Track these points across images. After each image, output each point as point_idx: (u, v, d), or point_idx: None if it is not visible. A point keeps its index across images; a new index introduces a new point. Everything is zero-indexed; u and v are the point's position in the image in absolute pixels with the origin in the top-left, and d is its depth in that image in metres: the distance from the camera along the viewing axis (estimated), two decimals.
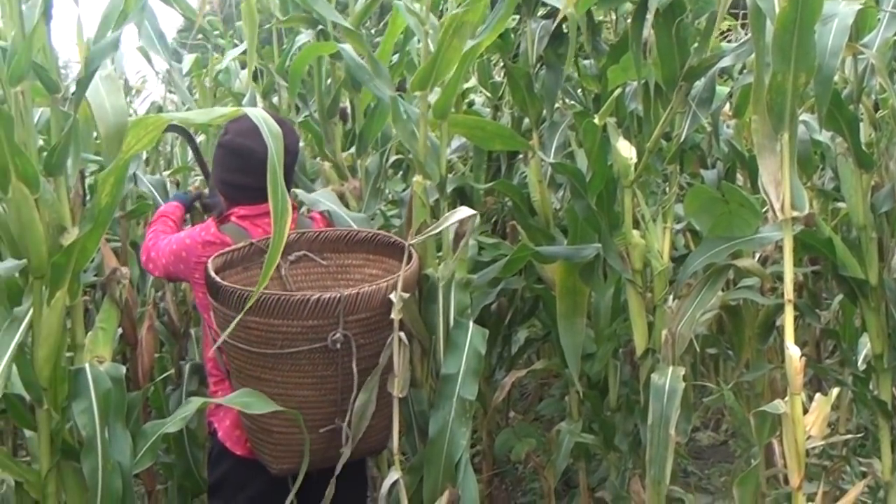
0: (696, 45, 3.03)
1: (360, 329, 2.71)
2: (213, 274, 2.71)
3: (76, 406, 2.49)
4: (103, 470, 2.46)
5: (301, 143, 4.23)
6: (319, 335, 2.66)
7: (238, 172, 3.02)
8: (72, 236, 2.47)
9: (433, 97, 3.19)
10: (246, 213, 3.04)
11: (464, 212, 2.83)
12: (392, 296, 2.69)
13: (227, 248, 2.90)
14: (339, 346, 2.66)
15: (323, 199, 3.40)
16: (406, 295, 2.73)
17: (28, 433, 2.75)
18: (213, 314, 2.79)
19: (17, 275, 2.80)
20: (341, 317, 2.65)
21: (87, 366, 2.55)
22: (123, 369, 2.60)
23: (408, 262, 2.83)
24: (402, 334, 2.70)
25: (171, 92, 5.86)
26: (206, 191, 3.55)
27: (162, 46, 3.92)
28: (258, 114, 2.18)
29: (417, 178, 3.15)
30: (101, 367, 2.56)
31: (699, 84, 3.09)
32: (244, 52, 4.31)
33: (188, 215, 3.47)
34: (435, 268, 3.08)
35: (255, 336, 2.67)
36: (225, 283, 2.69)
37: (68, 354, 2.62)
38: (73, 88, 2.63)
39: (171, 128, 3.50)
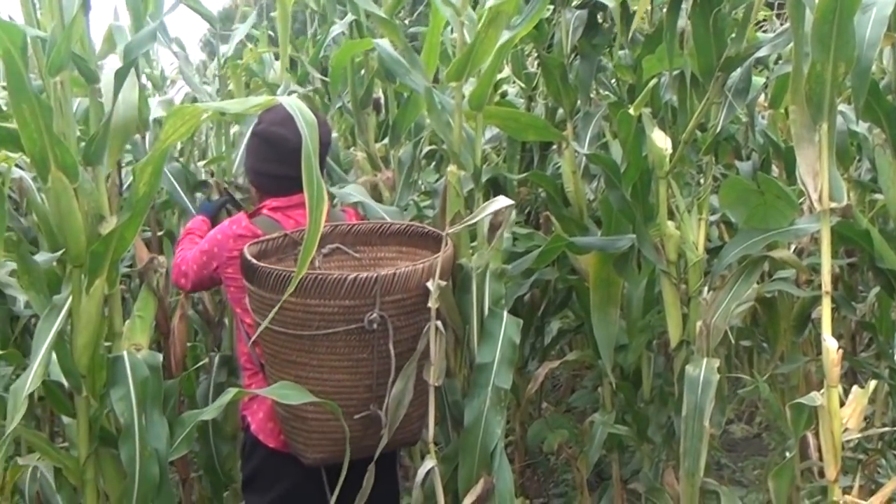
0: (732, 35, 3.01)
1: (396, 311, 2.70)
2: (249, 257, 2.72)
3: (114, 393, 2.51)
4: (140, 457, 2.48)
5: (335, 135, 4.26)
6: (356, 316, 2.65)
7: (271, 162, 3.01)
8: (110, 225, 2.49)
9: (468, 88, 3.19)
10: (278, 204, 3.04)
11: (501, 202, 2.83)
12: (429, 284, 2.70)
13: (262, 238, 2.90)
14: (375, 326, 2.65)
15: (355, 192, 3.41)
16: (444, 283, 2.73)
17: (67, 420, 2.79)
18: (249, 299, 2.79)
19: (54, 264, 2.84)
20: (378, 297, 2.64)
21: (124, 353, 2.57)
22: (160, 357, 2.62)
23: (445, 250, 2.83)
24: (440, 322, 2.70)
25: (204, 83, 5.91)
26: (231, 188, 3.59)
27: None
28: (293, 103, 2.18)
29: (452, 168, 3.15)
30: (139, 354, 2.59)
31: (735, 74, 3.07)
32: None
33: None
34: (469, 258, 3.08)
35: (291, 317, 2.66)
36: (261, 264, 2.70)
37: (106, 343, 2.64)
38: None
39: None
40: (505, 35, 3.00)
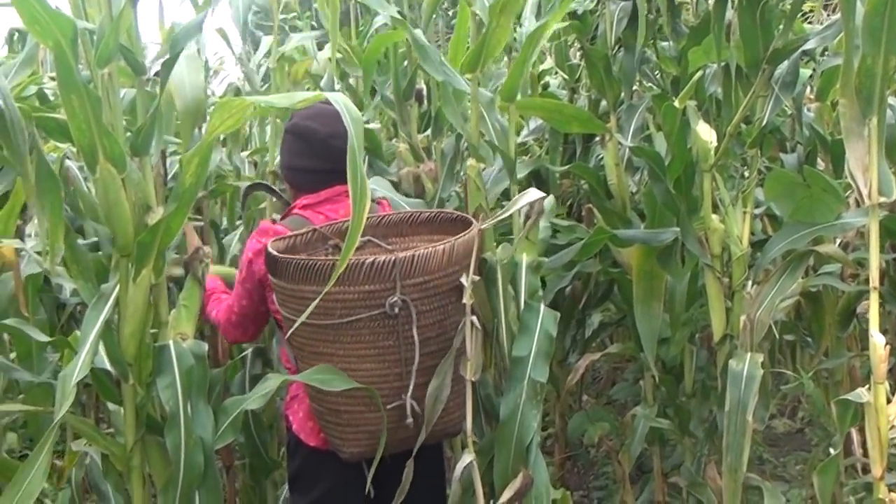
0: (779, 27, 2.98)
1: (419, 294, 2.66)
2: (271, 250, 2.70)
3: (160, 382, 2.54)
4: (186, 444, 2.50)
5: (377, 126, 4.26)
6: (377, 301, 2.62)
7: (302, 156, 2.99)
8: (157, 215, 2.51)
9: (500, 81, 3.19)
10: (308, 202, 3.02)
11: (532, 194, 2.81)
12: (463, 279, 2.69)
13: (289, 234, 2.86)
14: (397, 310, 2.61)
15: (377, 186, 3.40)
16: (476, 278, 2.72)
17: (113, 407, 2.82)
18: (275, 294, 2.78)
19: (100, 253, 2.87)
20: (398, 280, 2.61)
21: (170, 342, 2.59)
22: (206, 346, 2.64)
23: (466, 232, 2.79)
24: (475, 318, 2.70)
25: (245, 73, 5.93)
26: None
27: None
28: (339, 98, 2.19)
29: (471, 161, 3.14)
30: (185, 344, 2.61)
31: (782, 67, 3.04)
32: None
33: None
34: (493, 251, 3.06)
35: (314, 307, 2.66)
36: (281, 255, 2.68)
37: (152, 331, 2.67)
38: (154, 69, 2.68)
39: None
40: (534, 24, 2.98)
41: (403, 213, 3.05)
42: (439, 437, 2.89)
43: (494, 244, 3.13)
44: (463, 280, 2.70)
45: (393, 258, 2.61)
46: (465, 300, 2.69)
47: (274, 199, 3.62)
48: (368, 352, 2.69)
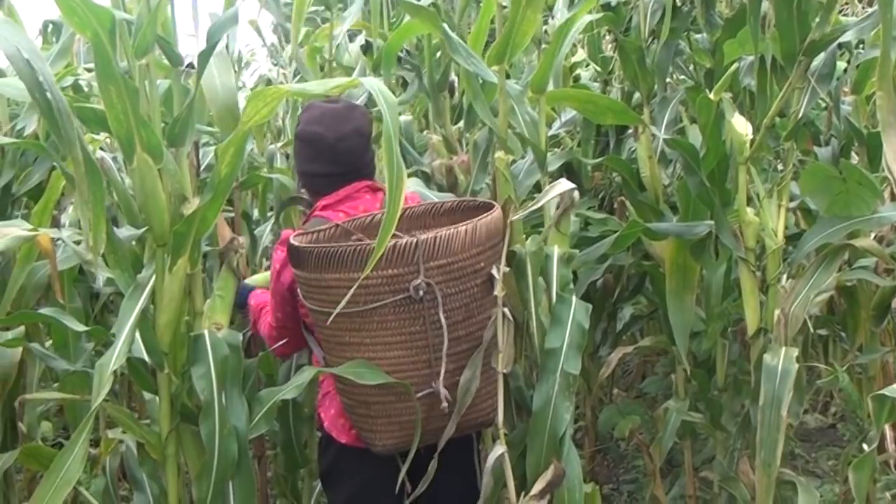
0: (816, 19, 2.96)
1: (443, 277, 2.64)
2: (292, 241, 2.69)
3: (195, 371, 2.55)
4: (220, 434, 2.52)
5: (409, 117, 4.26)
6: (401, 285, 2.60)
7: (312, 161, 2.97)
8: (192, 206, 2.53)
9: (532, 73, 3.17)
10: (327, 202, 3.00)
11: (563, 185, 2.80)
12: (493, 271, 2.68)
13: (312, 230, 2.84)
14: (422, 293, 2.59)
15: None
16: (507, 269, 2.71)
17: (148, 396, 2.84)
18: (300, 289, 2.77)
19: (134, 243, 2.89)
20: (421, 263, 2.59)
21: (205, 332, 2.61)
22: (240, 336, 2.66)
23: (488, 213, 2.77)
24: (507, 310, 2.69)
25: (275, 65, 5.96)
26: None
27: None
28: (373, 84, 2.19)
29: (500, 153, 3.14)
30: (219, 333, 2.62)
31: (819, 59, 3.02)
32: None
33: None
34: (522, 243, 3.06)
35: (337, 295, 2.60)
36: (302, 244, 2.67)
37: (187, 319, 2.68)
38: (189, 61, 2.69)
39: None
40: (565, 15, 2.96)
41: (427, 205, 3.04)
42: (470, 428, 2.87)
43: (524, 237, 3.12)
44: (493, 271, 2.70)
45: (415, 240, 2.58)
46: (496, 292, 2.69)
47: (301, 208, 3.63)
48: (395, 338, 2.67)
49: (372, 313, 2.62)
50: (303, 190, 3.19)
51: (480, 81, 3.17)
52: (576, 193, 2.94)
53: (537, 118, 3.22)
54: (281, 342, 2.96)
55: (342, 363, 2.71)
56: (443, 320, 2.64)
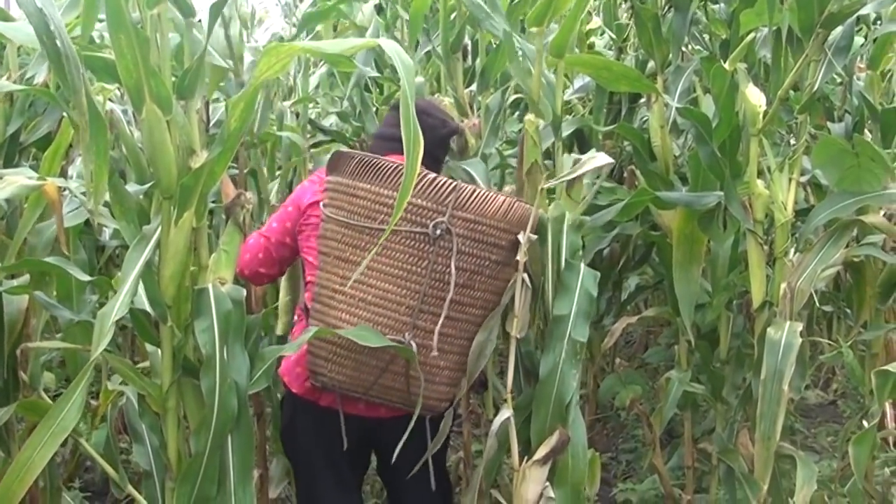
0: None
1: (464, 231, 2.65)
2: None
3: (198, 325, 2.54)
4: (220, 388, 2.51)
5: (422, 80, 4.23)
6: (423, 219, 2.62)
7: (397, 127, 3.00)
8: (200, 159, 2.51)
9: (550, 35, 3.15)
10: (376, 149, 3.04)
11: (601, 158, 2.79)
12: (520, 236, 2.67)
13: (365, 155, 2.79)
14: (439, 232, 2.60)
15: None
16: (534, 236, 2.71)
17: (150, 348, 2.84)
18: (326, 194, 2.80)
19: (141, 196, 2.88)
20: (450, 206, 2.61)
21: (209, 286, 2.59)
22: (244, 291, 2.64)
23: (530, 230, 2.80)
24: (526, 276, 2.68)
25: (288, 23, 5.91)
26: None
27: None
28: (391, 46, 2.17)
29: (530, 116, 3.12)
30: (223, 288, 2.61)
31: (836, 32, 2.99)
32: None
33: None
34: (545, 208, 3.05)
35: (359, 206, 2.65)
36: (349, 150, 2.69)
37: (192, 270, 2.68)
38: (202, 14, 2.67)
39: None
40: None
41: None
42: (423, 406, 2.76)
43: (546, 202, 3.12)
44: (520, 237, 2.69)
45: (455, 182, 2.60)
46: (518, 256, 2.68)
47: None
48: (393, 271, 2.68)
49: (382, 235, 2.56)
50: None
51: (517, 45, 3.15)
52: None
53: (553, 83, 3.20)
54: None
55: (331, 279, 2.73)
56: (453, 271, 2.63)
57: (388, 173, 2.60)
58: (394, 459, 2.76)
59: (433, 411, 2.86)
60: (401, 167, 2.56)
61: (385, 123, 3.15)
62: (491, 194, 2.66)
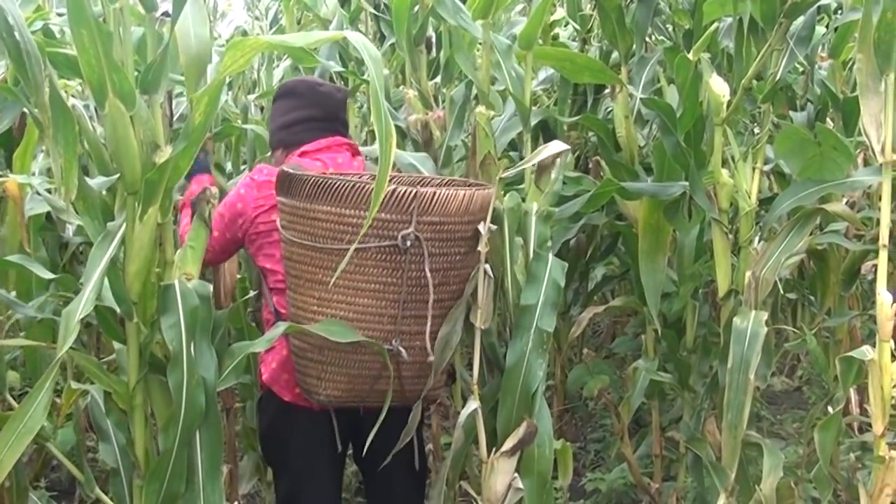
0: None
1: (432, 235, 2.65)
2: (287, 168, 2.70)
3: (164, 321, 2.52)
4: (188, 384, 2.49)
5: (386, 72, 4.23)
6: (390, 232, 2.61)
7: (289, 112, 3.04)
8: (165, 154, 2.49)
9: (519, 28, 3.16)
10: (306, 149, 3.01)
11: (555, 146, 2.79)
12: (480, 227, 2.67)
13: (302, 171, 2.79)
14: (409, 244, 2.59)
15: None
16: (494, 227, 2.71)
17: (117, 346, 2.81)
18: (280, 216, 2.76)
19: (104, 192, 2.85)
20: (414, 214, 2.60)
21: (175, 282, 2.57)
22: (210, 287, 2.63)
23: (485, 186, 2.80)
24: (488, 266, 2.69)
25: (251, 16, 5.89)
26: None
27: None
28: (357, 38, 2.16)
29: (480, 108, 3.13)
30: (190, 284, 2.59)
31: (798, 22, 3.02)
32: None
33: None
34: (502, 200, 3.05)
35: (322, 229, 2.62)
36: (300, 172, 2.66)
37: (157, 270, 2.66)
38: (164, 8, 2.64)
39: None
40: None
41: (413, 178, 3.00)
42: (416, 398, 2.83)
43: (503, 193, 3.12)
44: (480, 227, 2.69)
45: (414, 190, 2.58)
46: (479, 248, 2.69)
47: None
48: (368, 286, 2.67)
49: (353, 254, 2.56)
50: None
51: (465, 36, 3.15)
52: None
53: (522, 74, 3.20)
54: None
55: (307, 301, 2.71)
56: (429, 276, 2.64)
57: (346, 193, 2.58)
58: (369, 442, 2.75)
59: (434, 401, 2.94)
60: (358, 185, 2.56)
61: (284, 111, 3.09)
62: (451, 192, 2.65)
